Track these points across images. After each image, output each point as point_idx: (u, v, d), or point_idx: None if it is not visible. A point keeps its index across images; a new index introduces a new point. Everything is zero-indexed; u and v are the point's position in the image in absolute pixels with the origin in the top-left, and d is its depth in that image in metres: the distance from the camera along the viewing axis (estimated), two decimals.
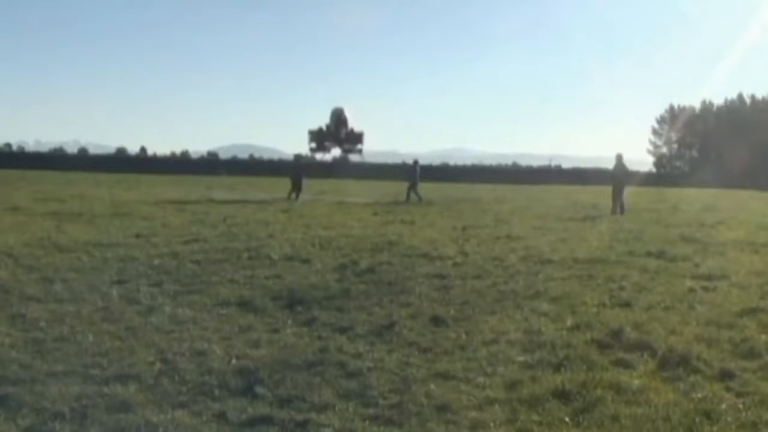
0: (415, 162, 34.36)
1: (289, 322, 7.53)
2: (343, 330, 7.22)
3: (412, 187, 32.05)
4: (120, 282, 9.40)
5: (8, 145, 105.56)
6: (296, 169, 32.12)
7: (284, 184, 32.44)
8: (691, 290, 9.65)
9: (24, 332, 6.77)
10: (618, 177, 26.07)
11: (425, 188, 41.95)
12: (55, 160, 74.84)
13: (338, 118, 31.57)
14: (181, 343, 6.55)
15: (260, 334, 6.96)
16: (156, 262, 11.09)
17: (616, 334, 7.08)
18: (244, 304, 8.28)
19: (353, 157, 32.34)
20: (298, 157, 32.83)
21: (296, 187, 30.39)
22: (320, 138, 31.67)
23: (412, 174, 32.93)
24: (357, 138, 31.92)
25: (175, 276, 9.99)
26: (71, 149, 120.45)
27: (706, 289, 9.77)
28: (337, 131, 31.49)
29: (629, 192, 26.34)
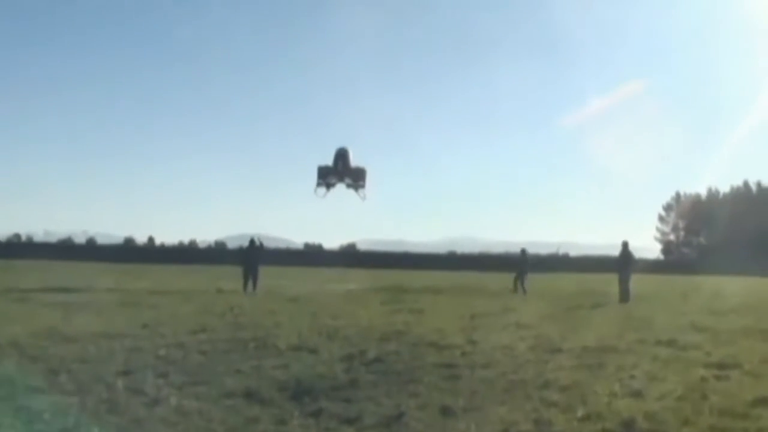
0: (523, 251, 33.61)
1: (296, 413, 7.44)
2: (350, 421, 7.13)
3: (520, 276, 30.80)
4: (126, 373, 9.34)
5: (17, 235, 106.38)
6: (249, 256, 28.51)
7: (289, 273, 32.35)
8: (704, 379, 9.53)
9: (28, 424, 6.71)
10: (623, 264, 26.06)
11: (437, 277, 41.84)
12: (63, 251, 75.22)
13: (340, 155, 31.29)
14: None
15: (266, 426, 6.88)
16: (162, 352, 11.03)
17: (629, 424, 6.98)
18: (251, 395, 8.20)
19: (360, 194, 31.60)
20: (251, 242, 29.77)
21: (251, 276, 27.11)
22: (325, 174, 31.07)
23: (522, 263, 31.91)
24: (359, 174, 31.40)
25: (182, 366, 9.92)
26: (80, 239, 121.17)
27: (718, 378, 9.65)
28: (336, 167, 31.00)
29: (634, 280, 26.25)
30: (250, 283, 26.95)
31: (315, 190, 31.69)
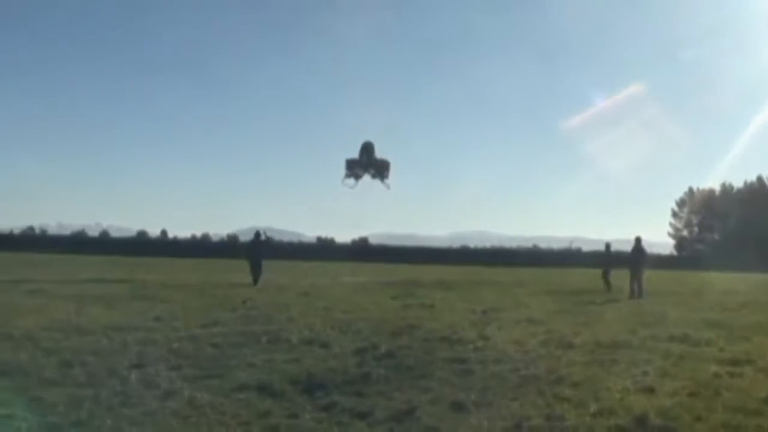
0: (608, 246, 32.67)
1: (308, 407, 7.46)
2: (362, 415, 7.13)
3: (606, 273, 29.23)
4: (139, 366, 9.37)
5: (31, 228, 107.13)
6: (253, 249, 28.83)
7: (301, 267, 32.33)
8: (716, 375, 9.49)
9: (41, 417, 6.74)
10: (636, 260, 25.97)
11: (448, 271, 41.80)
12: (77, 243, 75.54)
13: (365, 148, 32.16)
14: (198, 429, 6.49)
15: (279, 420, 6.89)
16: (175, 345, 11.07)
17: (641, 420, 6.95)
18: (263, 389, 8.21)
19: (385, 184, 32.15)
20: (257, 235, 30.07)
21: (256, 269, 27.48)
22: (352, 166, 31.88)
23: (606, 259, 30.39)
24: (384, 166, 32.30)
25: (194, 360, 9.96)
26: (93, 232, 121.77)
27: (731, 374, 9.61)
28: (362, 159, 31.75)
29: (647, 275, 26.13)
30: (261, 276, 27.06)
31: (343, 181, 32.60)
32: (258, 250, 28.31)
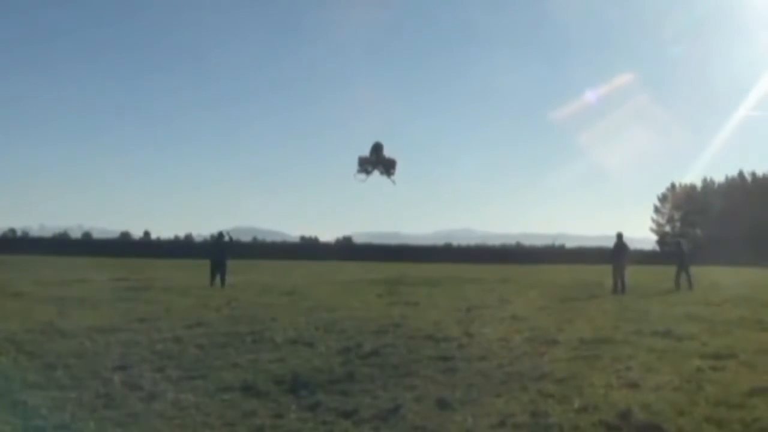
0: (678, 243, 30.77)
1: (293, 406, 7.45)
2: (347, 414, 7.13)
3: (683, 270, 28.67)
4: (122, 367, 9.33)
5: (13, 230, 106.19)
6: (216, 249, 27.89)
7: (285, 266, 32.25)
8: (699, 370, 9.56)
9: (24, 420, 6.70)
10: (618, 256, 26.10)
11: (433, 269, 41.83)
12: (59, 245, 74.94)
13: (376, 147, 32.96)
14: (183, 430, 6.47)
15: (264, 420, 6.88)
16: (159, 346, 11.02)
17: (625, 415, 6.99)
18: (248, 389, 8.20)
19: (391, 180, 32.96)
20: (220, 235, 29.46)
21: (218, 270, 26.30)
22: (363, 162, 32.66)
23: (681, 256, 29.71)
24: (391, 164, 33.26)
25: (178, 361, 9.92)
26: (75, 234, 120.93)
27: (714, 368, 9.68)
28: (371, 156, 32.59)
29: (630, 271, 26.27)
30: (227, 277, 26.16)
31: (355, 176, 33.50)
32: (221, 251, 27.80)
